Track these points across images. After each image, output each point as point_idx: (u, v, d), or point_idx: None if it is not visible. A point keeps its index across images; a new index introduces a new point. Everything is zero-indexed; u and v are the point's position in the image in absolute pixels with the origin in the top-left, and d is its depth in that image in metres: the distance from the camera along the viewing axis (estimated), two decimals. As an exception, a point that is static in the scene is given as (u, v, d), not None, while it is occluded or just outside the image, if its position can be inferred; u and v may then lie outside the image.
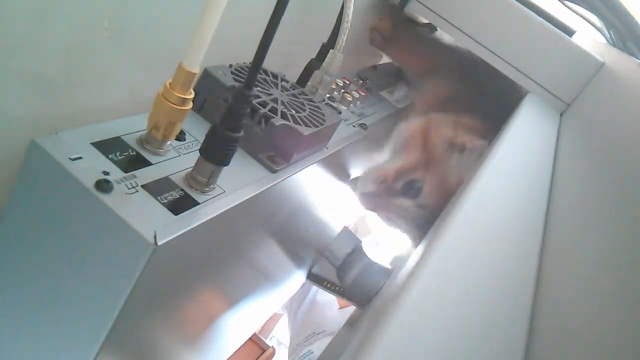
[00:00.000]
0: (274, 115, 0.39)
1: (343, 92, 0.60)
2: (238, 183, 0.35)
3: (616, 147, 0.36)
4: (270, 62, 0.45)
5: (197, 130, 0.38)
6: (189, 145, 0.36)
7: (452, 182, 0.54)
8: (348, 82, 0.63)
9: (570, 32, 0.64)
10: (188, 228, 0.29)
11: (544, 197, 0.35)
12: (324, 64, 0.50)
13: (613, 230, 0.25)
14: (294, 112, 0.42)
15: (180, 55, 0.30)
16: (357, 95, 0.61)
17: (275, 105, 0.41)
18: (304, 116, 0.42)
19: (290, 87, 0.46)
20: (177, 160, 0.34)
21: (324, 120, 0.44)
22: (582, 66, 0.59)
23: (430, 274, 0.21)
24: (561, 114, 0.59)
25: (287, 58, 0.56)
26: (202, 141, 0.31)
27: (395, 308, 0.18)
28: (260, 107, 0.39)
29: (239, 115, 0.30)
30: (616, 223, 0.25)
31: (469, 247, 0.24)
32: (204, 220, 0.31)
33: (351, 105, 0.60)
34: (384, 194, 0.55)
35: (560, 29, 0.61)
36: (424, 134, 0.57)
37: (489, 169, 0.34)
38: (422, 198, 0.54)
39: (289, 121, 0.40)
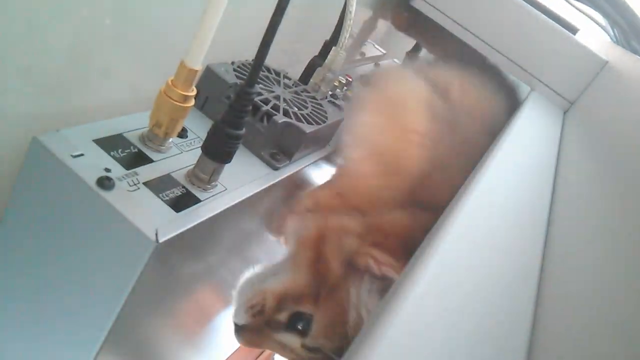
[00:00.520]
0: (276, 113, 0.39)
1: (345, 90, 0.60)
2: (240, 180, 0.35)
3: (620, 145, 0.35)
4: (272, 60, 0.45)
5: (199, 128, 0.38)
6: (191, 143, 0.36)
7: (351, 319, 0.37)
8: (351, 80, 0.63)
9: (574, 30, 0.64)
10: (190, 225, 0.29)
11: (547, 195, 0.35)
12: (326, 61, 0.50)
13: (616, 229, 0.25)
14: (297, 109, 0.42)
15: (183, 52, 0.30)
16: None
17: (277, 102, 0.41)
18: (307, 114, 0.42)
19: (292, 85, 0.46)
20: (179, 158, 0.34)
21: (327, 118, 0.44)
22: (586, 64, 0.59)
23: (431, 273, 0.21)
24: (565, 113, 0.59)
25: (289, 55, 0.56)
26: (204, 138, 0.31)
27: (396, 306, 0.18)
28: (262, 104, 0.39)
29: (241, 112, 0.30)
30: (620, 222, 0.25)
31: (471, 245, 0.24)
32: (205, 218, 0.31)
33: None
34: (262, 327, 0.39)
35: (564, 27, 0.60)
36: (317, 244, 0.40)
37: (492, 167, 0.34)
38: (311, 337, 0.38)
39: (291, 119, 0.40)
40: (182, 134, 0.36)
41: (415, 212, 0.41)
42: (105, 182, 0.28)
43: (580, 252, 0.26)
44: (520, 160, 0.38)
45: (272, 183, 0.38)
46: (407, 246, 0.37)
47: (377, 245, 0.39)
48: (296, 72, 0.50)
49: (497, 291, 0.22)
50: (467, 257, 0.23)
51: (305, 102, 0.45)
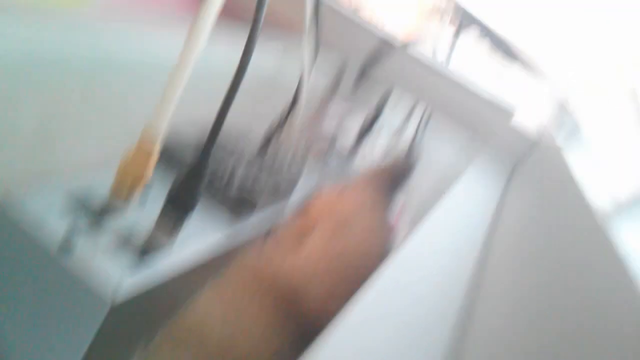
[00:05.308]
0: (231, 186, 0.41)
1: (305, 154, 0.61)
2: (201, 231, 0.36)
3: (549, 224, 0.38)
4: (232, 125, 0.46)
5: (163, 182, 0.38)
6: (155, 197, 0.36)
7: None
8: (310, 144, 0.65)
9: (511, 112, 0.70)
10: (152, 282, 0.30)
11: (474, 259, 0.38)
12: (285, 127, 0.52)
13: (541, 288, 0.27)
14: (252, 181, 0.43)
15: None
16: (319, 156, 0.64)
17: (232, 175, 0.42)
18: (264, 183, 0.44)
19: (249, 153, 0.48)
20: (142, 213, 0.34)
21: (285, 186, 0.45)
22: (520, 143, 0.65)
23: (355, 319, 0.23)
24: (507, 179, 0.63)
25: (250, 119, 0.57)
26: (168, 192, 0.32)
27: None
28: (217, 177, 0.40)
29: (193, 190, 0.31)
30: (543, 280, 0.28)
31: (395, 296, 0.26)
32: (169, 273, 0.32)
33: (314, 165, 0.61)
34: None
35: (501, 108, 0.67)
36: None
37: (428, 223, 0.36)
38: None
39: (246, 191, 0.41)
40: (146, 189, 0.35)
41: None
42: (65, 245, 0.29)
43: (501, 314, 0.28)
44: (453, 228, 0.41)
45: (233, 231, 0.39)
46: None
47: None
48: (258, 132, 0.52)
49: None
50: (387, 312, 0.25)
51: (263, 171, 0.46)
